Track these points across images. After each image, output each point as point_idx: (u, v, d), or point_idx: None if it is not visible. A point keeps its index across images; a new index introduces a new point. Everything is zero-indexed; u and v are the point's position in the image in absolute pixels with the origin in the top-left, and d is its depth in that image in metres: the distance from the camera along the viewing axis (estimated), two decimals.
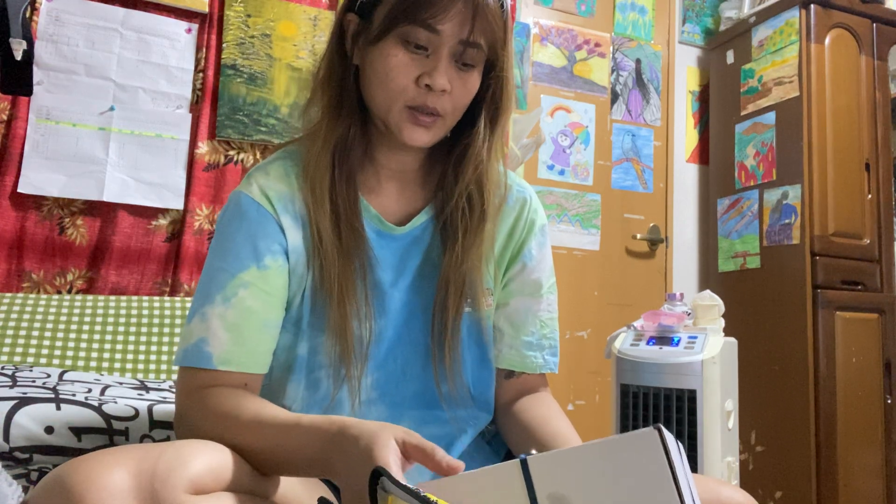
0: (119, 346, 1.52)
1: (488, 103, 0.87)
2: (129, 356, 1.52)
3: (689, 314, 1.86)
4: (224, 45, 1.95)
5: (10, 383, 1.10)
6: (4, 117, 1.73)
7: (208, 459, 0.61)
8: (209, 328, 0.78)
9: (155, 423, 1.04)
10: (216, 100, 1.94)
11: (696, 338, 1.74)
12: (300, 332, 0.85)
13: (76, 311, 1.55)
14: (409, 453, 0.60)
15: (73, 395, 1.06)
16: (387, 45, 0.80)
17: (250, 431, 0.68)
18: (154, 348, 1.55)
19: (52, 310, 1.53)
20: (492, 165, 0.89)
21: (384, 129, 0.85)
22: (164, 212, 1.86)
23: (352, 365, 0.83)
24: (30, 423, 0.95)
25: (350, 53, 0.85)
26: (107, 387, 1.19)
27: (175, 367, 1.16)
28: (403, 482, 0.53)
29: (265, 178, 0.86)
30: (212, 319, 0.78)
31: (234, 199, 0.85)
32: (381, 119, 0.84)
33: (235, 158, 1.94)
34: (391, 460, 0.57)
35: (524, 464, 0.55)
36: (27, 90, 1.60)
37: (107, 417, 1.00)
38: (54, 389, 1.09)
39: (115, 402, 1.05)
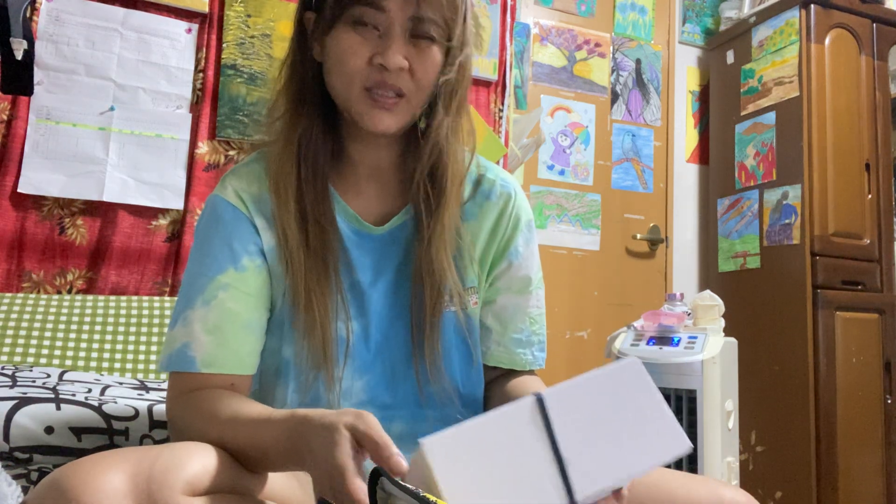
0: (119, 346, 1.52)
1: (445, 82, 0.84)
2: (129, 356, 1.52)
3: (689, 314, 1.86)
4: (224, 45, 1.95)
5: (10, 383, 1.10)
6: (4, 117, 1.73)
7: (204, 461, 0.61)
8: (191, 332, 0.78)
9: (155, 423, 1.04)
10: (216, 100, 1.94)
11: (696, 338, 1.75)
12: (284, 335, 0.84)
13: (76, 311, 1.55)
14: (361, 441, 0.58)
15: (73, 395, 1.06)
16: (338, 31, 0.79)
17: (228, 429, 0.68)
18: (154, 348, 1.54)
19: (52, 310, 1.53)
20: (451, 146, 0.86)
21: (352, 122, 0.84)
22: (164, 212, 1.86)
23: (329, 367, 0.82)
24: (30, 423, 0.95)
25: (311, 51, 0.85)
26: (107, 387, 1.19)
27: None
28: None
29: (238, 181, 0.86)
30: (193, 323, 0.79)
31: (210, 204, 0.86)
32: (345, 110, 0.83)
33: (235, 158, 1.94)
34: (348, 465, 0.55)
35: (540, 402, 0.54)
36: (28, 90, 1.59)
37: (107, 417, 1.00)
38: (54, 389, 1.09)
39: (115, 402, 1.05)
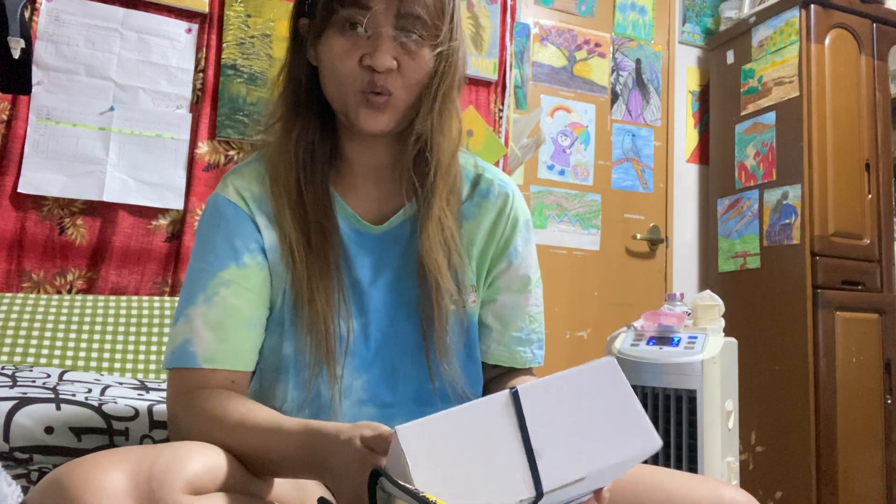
0: (119, 346, 1.52)
1: (436, 76, 0.84)
2: (129, 356, 1.52)
3: (689, 314, 1.86)
4: (224, 45, 1.95)
5: (10, 383, 1.10)
6: (4, 117, 1.73)
7: (205, 460, 0.61)
8: (193, 328, 0.79)
9: (155, 424, 1.03)
10: (216, 100, 1.94)
11: (696, 338, 1.74)
12: (284, 333, 0.85)
13: (76, 311, 1.55)
14: (370, 447, 0.59)
15: (73, 395, 1.06)
16: (329, 36, 0.80)
17: (236, 434, 0.69)
18: (154, 348, 1.54)
19: (52, 310, 1.53)
20: (437, 138, 0.85)
21: (347, 123, 0.85)
22: (164, 212, 1.86)
23: (331, 364, 0.82)
24: (30, 423, 0.95)
25: (307, 55, 0.85)
26: (107, 387, 1.19)
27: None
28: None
29: (240, 180, 0.86)
30: (195, 319, 0.79)
31: (212, 202, 0.86)
32: (341, 112, 0.84)
33: (235, 158, 1.94)
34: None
35: (515, 396, 0.57)
36: (25, 89, 1.59)
37: (107, 417, 1.00)
38: (54, 389, 1.08)
39: (115, 402, 1.05)
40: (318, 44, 0.82)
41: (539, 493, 0.54)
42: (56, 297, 1.58)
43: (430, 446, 0.54)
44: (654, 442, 0.58)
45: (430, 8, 0.80)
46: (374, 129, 0.82)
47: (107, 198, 1.78)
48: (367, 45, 0.79)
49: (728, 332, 1.86)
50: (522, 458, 0.55)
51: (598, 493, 0.63)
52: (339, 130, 0.89)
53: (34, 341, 1.46)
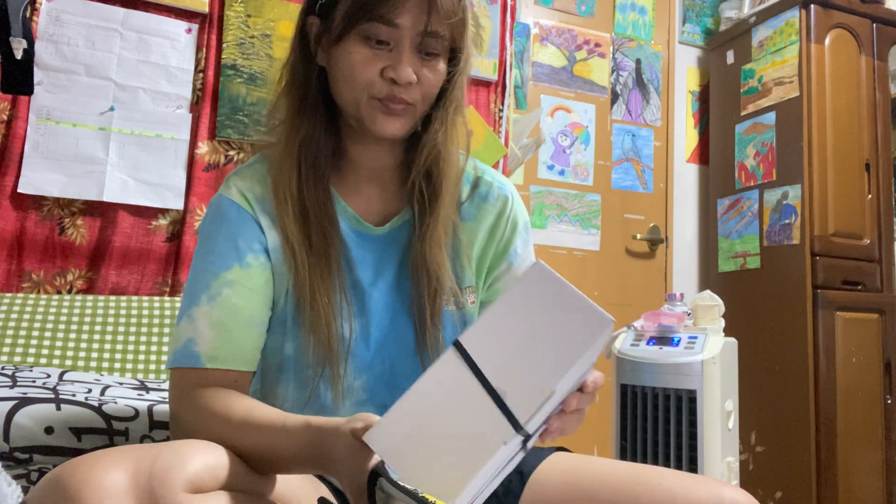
0: (119, 346, 1.52)
1: (451, 88, 0.87)
2: (129, 356, 1.51)
3: (689, 314, 1.86)
4: (224, 45, 1.95)
5: (10, 383, 1.10)
6: (4, 117, 1.73)
7: (206, 459, 0.61)
8: (196, 328, 0.79)
9: (155, 424, 1.03)
10: (216, 100, 1.94)
11: (696, 338, 1.74)
12: (286, 333, 0.85)
13: (76, 311, 1.55)
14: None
15: (73, 395, 1.06)
16: (349, 44, 0.80)
17: (240, 433, 0.69)
18: (154, 348, 1.54)
19: (52, 310, 1.53)
20: (448, 149, 0.89)
21: (356, 126, 0.85)
22: (164, 212, 1.86)
23: (334, 364, 0.83)
24: (30, 423, 0.95)
25: (314, 55, 0.86)
26: (107, 387, 1.19)
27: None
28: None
29: (243, 181, 0.87)
30: (198, 319, 0.80)
31: (215, 203, 0.87)
32: (352, 116, 0.84)
33: (235, 158, 1.94)
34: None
35: (459, 347, 0.56)
36: (28, 89, 1.59)
37: (107, 418, 1.00)
38: (54, 390, 1.09)
39: (115, 403, 1.05)
40: (332, 48, 0.83)
41: (519, 427, 0.53)
42: (56, 297, 1.58)
43: (403, 437, 0.54)
44: (606, 321, 0.56)
45: (452, 26, 0.82)
46: (388, 133, 0.83)
47: (107, 198, 1.78)
48: (390, 58, 0.80)
49: (728, 332, 1.86)
50: (491, 404, 0.54)
51: (582, 388, 0.63)
52: (343, 131, 0.89)
53: (34, 341, 1.46)
